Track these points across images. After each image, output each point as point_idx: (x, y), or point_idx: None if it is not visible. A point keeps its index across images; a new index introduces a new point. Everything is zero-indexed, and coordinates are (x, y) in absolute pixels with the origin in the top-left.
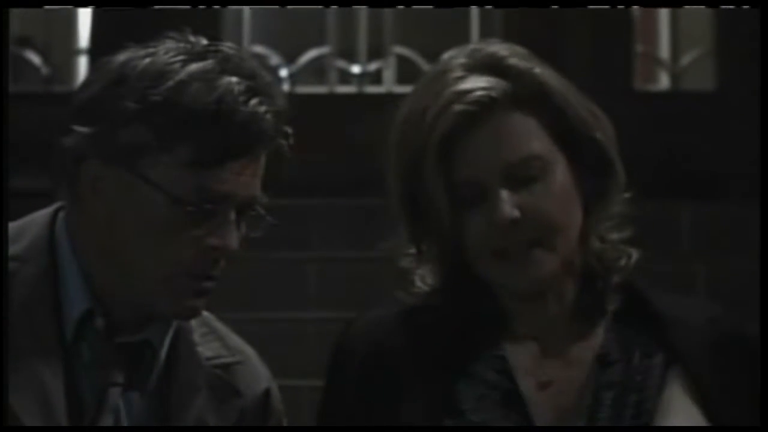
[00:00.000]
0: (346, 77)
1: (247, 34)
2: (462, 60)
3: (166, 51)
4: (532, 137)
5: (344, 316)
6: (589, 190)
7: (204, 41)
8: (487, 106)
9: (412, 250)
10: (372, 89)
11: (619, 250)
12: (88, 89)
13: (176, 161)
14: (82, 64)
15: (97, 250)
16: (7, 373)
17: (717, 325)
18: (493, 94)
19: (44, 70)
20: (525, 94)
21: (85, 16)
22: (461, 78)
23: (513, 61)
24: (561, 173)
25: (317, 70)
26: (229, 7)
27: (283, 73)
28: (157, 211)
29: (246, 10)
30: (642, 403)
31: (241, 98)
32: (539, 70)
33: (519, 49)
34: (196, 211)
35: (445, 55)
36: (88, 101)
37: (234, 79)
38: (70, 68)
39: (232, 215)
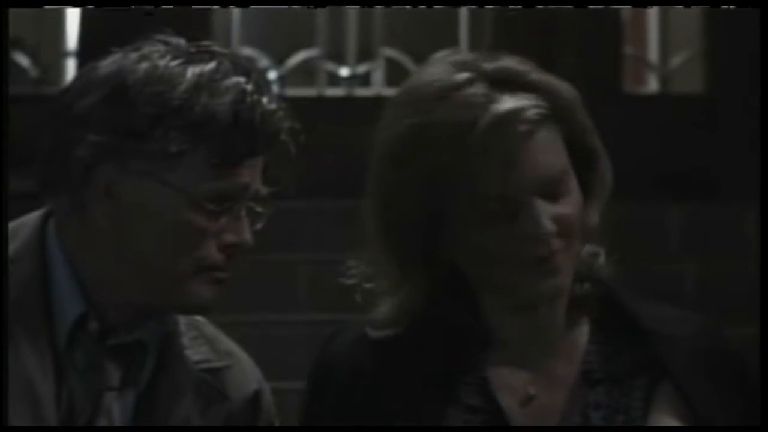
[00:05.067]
0: (335, 80)
1: (236, 35)
2: (468, 75)
3: (160, 55)
4: (561, 152)
5: (335, 319)
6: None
7: (185, 42)
8: (535, 123)
9: (387, 271)
10: (361, 91)
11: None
12: (86, 97)
13: (195, 163)
14: (71, 65)
15: (103, 255)
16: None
17: (702, 338)
18: (539, 112)
19: (33, 72)
20: (553, 109)
21: (74, 18)
22: (492, 95)
23: (535, 76)
24: (575, 184)
25: (306, 73)
26: (218, 8)
27: (272, 75)
28: (178, 212)
29: (235, 11)
30: (630, 423)
31: (254, 97)
32: (564, 86)
33: (525, 61)
34: (216, 210)
35: (437, 70)
36: (91, 109)
37: (241, 78)
38: (60, 70)
39: (243, 210)
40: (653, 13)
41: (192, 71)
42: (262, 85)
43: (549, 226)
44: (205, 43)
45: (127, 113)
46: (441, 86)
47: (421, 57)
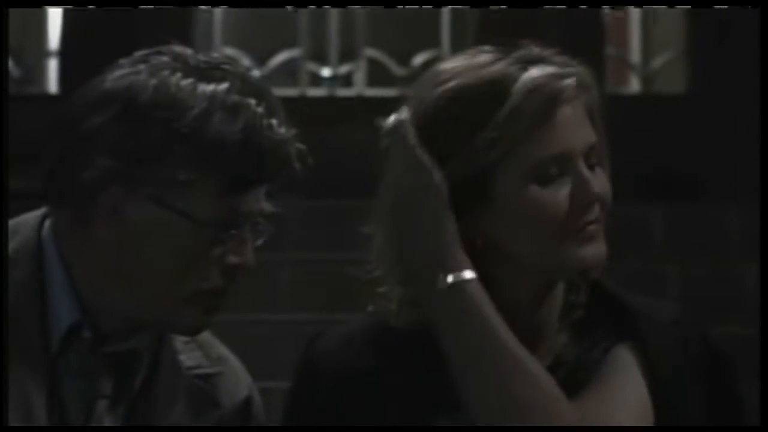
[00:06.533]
0: (317, 80)
1: (218, 35)
2: (493, 56)
3: (170, 71)
4: (590, 126)
5: (318, 318)
6: None
7: (194, 54)
8: (573, 88)
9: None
10: (343, 92)
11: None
12: (95, 114)
13: (204, 190)
14: (54, 66)
15: (101, 269)
16: (7, 374)
17: (681, 326)
18: (575, 78)
19: (16, 72)
20: (580, 86)
21: (56, 18)
22: (524, 66)
23: (559, 57)
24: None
25: (288, 73)
26: (201, 8)
27: (254, 75)
28: (183, 237)
29: (217, 11)
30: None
31: (264, 122)
32: (584, 68)
33: (546, 46)
34: (221, 236)
35: (457, 59)
36: (100, 128)
37: (252, 101)
38: (42, 70)
39: (248, 233)
40: (635, 14)
41: (203, 93)
42: (273, 107)
43: (597, 188)
44: (215, 57)
45: (136, 137)
46: (468, 65)
47: (403, 57)
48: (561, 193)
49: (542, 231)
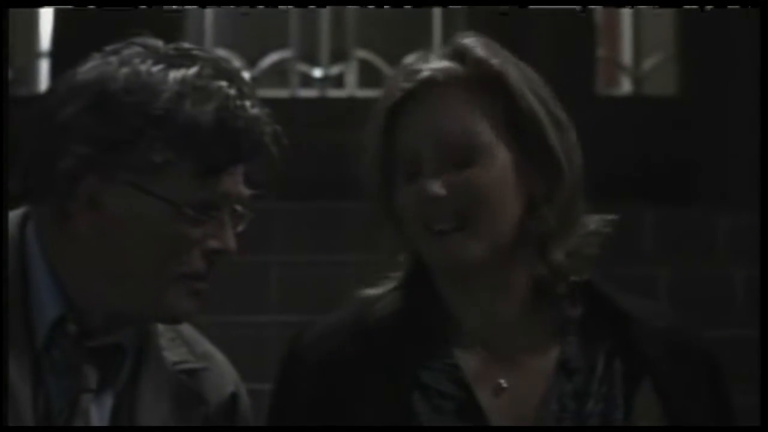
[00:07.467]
0: (308, 81)
1: (209, 37)
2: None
3: (141, 59)
4: (471, 119)
5: (306, 320)
6: (535, 189)
7: (166, 44)
8: (429, 84)
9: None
10: (334, 93)
11: (583, 261)
12: (68, 105)
13: (180, 172)
14: (45, 67)
15: (84, 262)
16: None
17: (678, 330)
18: (438, 74)
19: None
20: (476, 78)
21: (47, 19)
22: (420, 61)
23: (474, 50)
24: (501, 161)
25: (279, 74)
26: (191, 9)
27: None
28: (163, 222)
29: (208, 12)
30: (610, 413)
31: (237, 103)
32: (498, 60)
33: (493, 43)
34: (200, 218)
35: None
36: (73, 118)
37: (223, 83)
38: (32, 71)
39: (227, 216)
40: (626, 15)
41: (174, 77)
42: (245, 89)
43: (436, 190)
44: (185, 45)
45: (110, 124)
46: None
47: (394, 58)
48: (414, 189)
49: (412, 227)
